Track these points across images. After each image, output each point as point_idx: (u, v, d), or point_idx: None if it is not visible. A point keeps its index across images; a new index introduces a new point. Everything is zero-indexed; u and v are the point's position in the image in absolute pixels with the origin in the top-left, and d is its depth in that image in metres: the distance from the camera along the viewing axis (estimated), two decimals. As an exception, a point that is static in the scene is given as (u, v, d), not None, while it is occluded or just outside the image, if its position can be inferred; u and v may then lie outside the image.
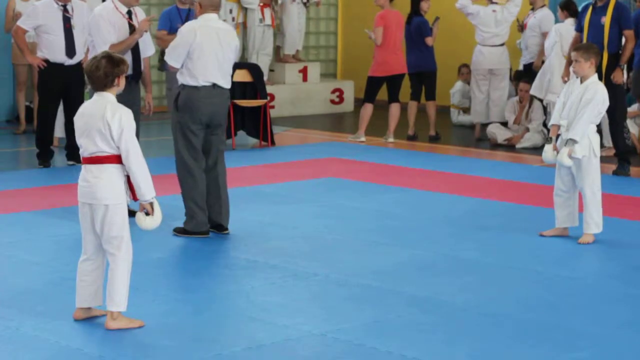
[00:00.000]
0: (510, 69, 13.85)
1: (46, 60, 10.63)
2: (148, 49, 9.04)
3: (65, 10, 10.58)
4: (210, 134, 7.95)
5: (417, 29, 13.26)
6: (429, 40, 13.23)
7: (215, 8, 7.93)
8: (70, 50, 10.64)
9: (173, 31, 11.81)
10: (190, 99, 7.79)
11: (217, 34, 7.83)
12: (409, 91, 13.57)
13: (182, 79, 7.86)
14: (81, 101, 9.64)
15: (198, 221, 7.87)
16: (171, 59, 7.82)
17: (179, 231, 7.94)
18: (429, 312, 6.18)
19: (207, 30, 7.79)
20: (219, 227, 7.99)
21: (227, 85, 7.93)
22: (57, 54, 10.63)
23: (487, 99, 13.68)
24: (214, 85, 7.83)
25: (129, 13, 8.73)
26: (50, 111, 10.88)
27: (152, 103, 9.25)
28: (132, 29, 8.69)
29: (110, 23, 8.58)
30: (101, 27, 8.54)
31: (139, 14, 8.86)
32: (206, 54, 7.75)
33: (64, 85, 10.64)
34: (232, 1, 15.46)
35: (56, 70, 10.66)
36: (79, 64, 10.61)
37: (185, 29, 7.84)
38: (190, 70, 7.78)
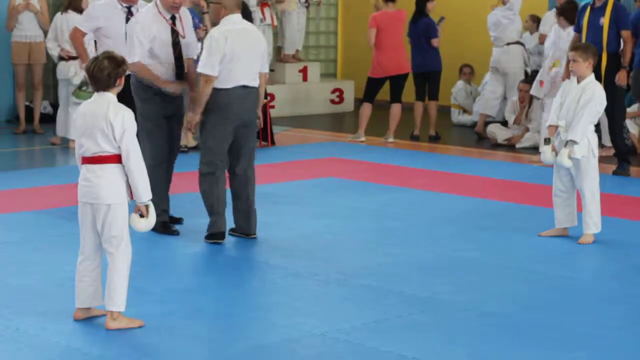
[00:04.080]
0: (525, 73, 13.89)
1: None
2: (192, 49, 8.37)
3: (129, 12, 9.13)
4: (243, 133, 7.79)
5: (423, 29, 13.26)
6: (435, 42, 13.24)
7: (239, 8, 7.78)
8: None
9: None
10: (222, 102, 7.63)
11: (246, 36, 7.73)
12: (415, 91, 13.60)
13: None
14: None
15: (212, 222, 7.80)
16: (208, 69, 7.57)
17: (207, 237, 7.83)
18: (429, 312, 6.19)
19: (236, 33, 7.65)
20: (246, 234, 7.93)
21: (256, 84, 7.80)
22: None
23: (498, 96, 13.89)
24: (245, 87, 7.70)
25: (173, 18, 8.13)
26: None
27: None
28: (175, 35, 8.11)
29: (148, 31, 7.99)
30: (134, 36, 8.01)
31: (184, 17, 8.27)
32: (237, 57, 7.61)
33: (122, 94, 9.31)
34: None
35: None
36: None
37: (215, 34, 7.62)
38: (221, 74, 7.61)
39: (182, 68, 8.16)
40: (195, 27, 11.96)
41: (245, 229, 7.91)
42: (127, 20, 8.89)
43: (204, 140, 7.79)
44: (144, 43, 7.95)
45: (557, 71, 11.63)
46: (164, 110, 8.08)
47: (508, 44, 13.70)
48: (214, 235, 7.74)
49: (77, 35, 9.41)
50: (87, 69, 5.78)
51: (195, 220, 8.56)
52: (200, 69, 7.62)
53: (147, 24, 8.00)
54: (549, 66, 12.23)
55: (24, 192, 9.65)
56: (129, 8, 9.01)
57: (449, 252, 7.59)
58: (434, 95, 13.51)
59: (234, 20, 7.72)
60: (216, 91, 7.63)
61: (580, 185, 7.91)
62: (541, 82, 12.23)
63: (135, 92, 8.03)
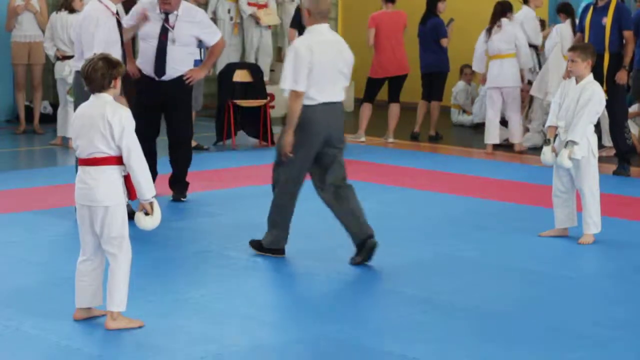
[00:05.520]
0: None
1: (140, 71, 9.16)
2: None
3: (166, 19, 9.03)
4: (330, 152, 7.25)
5: (432, 29, 13.26)
6: (444, 42, 13.24)
7: (325, 17, 7.23)
8: (158, 67, 9.07)
9: None
10: (304, 120, 7.06)
11: (333, 48, 7.22)
12: (421, 91, 13.60)
13: None
14: (185, 116, 9.26)
15: (275, 237, 7.36)
16: (296, 85, 7.01)
17: (254, 246, 7.46)
18: (429, 312, 6.18)
19: (323, 45, 7.13)
20: (369, 238, 7.25)
21: (341, 98, 7.27)
22: (147, 66, 9.13)
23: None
24: (331, 103, 7.15)
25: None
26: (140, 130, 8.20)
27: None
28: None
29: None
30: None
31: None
32: (324, 71, 7.06)
33: (158, 101, 9.10)
34: (230, 0, 15.46)
35: (148, 84, 9.12)
36: (179, 79, 9.12)
37: (301, 46, 7.09)
38: (307, 89, 7.06)
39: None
40: None
41: (359, 233, 7.28)
42: (163, 28, 8.88)
43: (288, 160, 7.19)
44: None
45: None
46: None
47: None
48: (276, 251, 7.34)
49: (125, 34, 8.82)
50: (82, 70, 5.78)
51: (195, 221, 8.57)
52: (286, 84, 7.07)
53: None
54: (550, 66, 12.25)
55: (24, 192, 9.64)
56: (166, 14, 9.00)
57: (449, 252, 7.59)
58: (438, 95, 13.51)
59: (321, 30, 7.20)
60: (301, 108, 7.09)
61: (580, 186, 7.91)
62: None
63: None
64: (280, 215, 7.34)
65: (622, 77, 10.81)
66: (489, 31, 12.65)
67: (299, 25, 12.60)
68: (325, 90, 7.11)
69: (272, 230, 7.37)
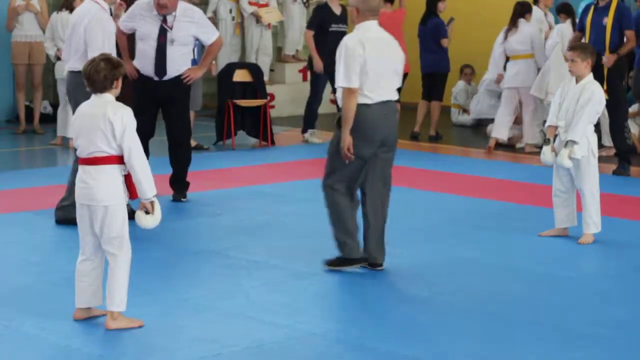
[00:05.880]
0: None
1: (138, 71, 9.12)
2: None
3: (164, 20, 9.04)
4: (382, 155, 6.97)
5: (433, 29, 13.25)
6: (444, 42, 13.24)
7: (375, 14, 6.98)
8: (159, 68, 9.06)
9: None
10: (362, 119, 6.78)
11: (384, 45, 6.95)
12: (421, 91, 13.60)
13: None
14: (183, 116, 9.33)
15: (350, 248, 6.96)
16: (348, 81, 6.72)
17: (332, 264, 7.00)
18: (429, 312, 6.18)
19: (374, 41, 6.85)
20: (374, 264, 7.01)
21: (395, 97, 7.01)
22: (147, 67, 9.10)
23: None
24: (385, 102, 6.90)
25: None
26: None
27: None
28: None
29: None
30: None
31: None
32: (376, 68, 6.78)
33: (156, 100, 9.13)
34: (231, 0, 15.46)
35: (146, 84, 9.10)
36: (177, 78, 9.16)
37: (350, 43, 6.80)
38: (360, 87, 6.78)
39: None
40: None
41: (375, 256, 7.01)
42: (161, 28, 8.92)
43: (341, 162, 6.88)
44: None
45: None
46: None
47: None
48: (354, 260, 6.95)
49: (118, 36, 8.85)
50: (83, 71, 5.78)
51: (195, 221, 8.57)
52: (339, 82, 6.78)
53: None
54: (550, 66, 12.25)
55: (24, 192, 9.64)
56: (164, 16, 9.02)
57: (449, 252, 7.59)
58: (439, 95, 13.51)
59: (369, 27, 6.92)
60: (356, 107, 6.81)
61: (580, 185, 7.91)
62: None
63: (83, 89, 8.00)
64: (343, 224, 6.95)
65: (610, 60, 10.78)
66: (507, 32, 12.68)
67: (317, 26, 12.58)
68: (381, 88, 6.84)
69: (341, 244, 6.95)
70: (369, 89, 6.79)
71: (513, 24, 12.64)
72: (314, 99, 13.14)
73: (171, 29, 9.02)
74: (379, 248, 6.97)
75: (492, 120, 13.82)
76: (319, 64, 12.65)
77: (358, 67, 6.73)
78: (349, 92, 6.74)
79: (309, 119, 13.19)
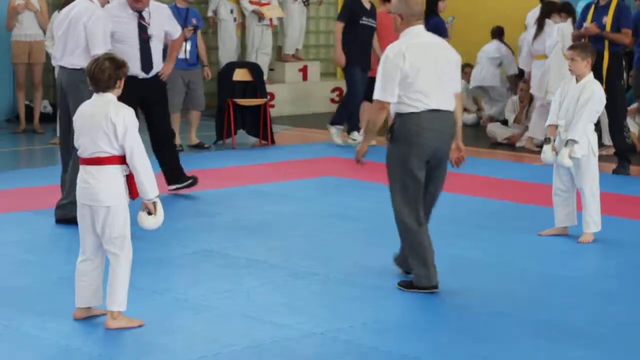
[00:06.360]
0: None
1: None
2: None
3: (140, 17, 9.26)
4: (433, 168, 6.63)
5: (433, 29, 13.20)
6: None
7: (420, 18, 6.61)
8: (146, 64, 9.27)
9: None
10: (408, 129, 6.46)
11: (431, 50, 6.57)
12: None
13: (396, 107, 6.50)
14: (167, 114, 9.51)
15: (423, 275, 6.56)
16: (382, 94, 6.44)
17: (403, 285, 6.65)
18: (429, 312, 6.18)
19: (418, 48, 6.49)
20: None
21: (451, 107, 6.59)
22: (131, 66, 9.07)
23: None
24: (436, 110, 6.50)
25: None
26: None
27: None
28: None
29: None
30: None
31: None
32: (422, 75, 6.42)
33: (139, 100, 9.10)
34: (232, 2, 15.46)
35: (129, 84, 9.59)
36: (157, 76, 9.47)
37: (390, 53, 6.45)
38: (405, 96, 6.45)
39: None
40: (199, 28, 12.09)
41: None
42: (140, 25, 9.02)
43: (396, 180, 6.61)
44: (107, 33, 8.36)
45: None
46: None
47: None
48: (429, 288, 6.55)
49: None
50: (87, 70, 5.77)
51: (195, 220, 8.56)
52: (375, 94, 6.51)
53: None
54: (550, 65, 12.25)
55: (24, 192, 9.65)
56: (139, 13, 9.12)
57: (449, 251, 7.58)
58: None
59: (416, 32, 6.57)
60: (402, 117, 6.48)
61: (580, 185, 7.91)
62: None
63: (83, 86, 7.94)
64: (414, 249, 6.58)
65: (591, 28, 10.82)
66: (536, 33, 12.75)
67: (348, 19, 12.49)
68: (431, 96, 6.45)
69: (415, 270, 6.60)
70: (415, 97, 6.44)
71: (540, 24, 12.70)
72: (352, 95, 12.66)
73: (149, 25, 9.27)
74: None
75: (491, 119, 13.85)
76: (341, 59, 12.45)
77: (396, 80, 6.40)
78: (380, 105, 6.49)
79: (352, 119, 12.72)
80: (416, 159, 6.49)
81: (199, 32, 12.35)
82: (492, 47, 14.57)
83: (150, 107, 9.26)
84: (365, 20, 12.50)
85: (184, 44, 11.81)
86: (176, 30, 9.66)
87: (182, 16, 12.00)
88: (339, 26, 12.56)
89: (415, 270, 6.56)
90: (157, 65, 9.36)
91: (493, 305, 6.31)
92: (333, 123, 12.86)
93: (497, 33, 14.74)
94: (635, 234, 8.24)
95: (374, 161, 11.59)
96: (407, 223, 6.56)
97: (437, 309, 6.24)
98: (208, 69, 12.67)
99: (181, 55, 11.85)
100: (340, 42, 12.48)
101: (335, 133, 12.82)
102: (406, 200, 6.55)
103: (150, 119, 9.30)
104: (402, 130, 6.48)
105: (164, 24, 9.46)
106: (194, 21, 12.18)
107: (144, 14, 9.23)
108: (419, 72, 6.42)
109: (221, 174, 10.75)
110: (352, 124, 12.76)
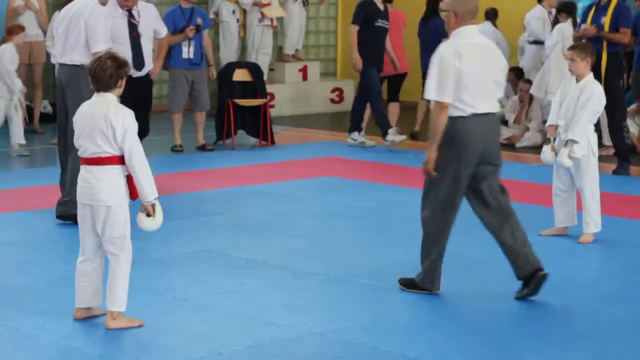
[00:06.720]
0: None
1: None
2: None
3: (130, 15, 9.57)
4: (485, 171, 6.44)
5: (434, 29, 13.23)
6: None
7: (475, 16, 6.41)
8: (138, 62, 9.55)
9: (176, 31, 11.86)
10: (457, 133, 6.26)
11: (485, 52, 6.39)
12: (422, 90, 13.59)
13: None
14: (147, 112, 9.68)
15: (428, 279, 6.53)
16: (440, 95, 6.21)
17: (404, 283, 6.62)
18: (429, 312, 6.18)
19: (473, 49, 6.30)
20: (536, 271, 6.43)
21: (496, 110, 6.46)
22: None
23: None
24: (485, 114, 6.33)
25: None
26: None
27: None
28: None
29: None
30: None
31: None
32: (476, 78, 6.24)
33: (134, 99, 9.11)
34: (232, 2, 15.46)
35: (126, 83, 9.72)
36: (148, 75, 9.83)
37: (446, 52, 6.25)
38: (456, 98, 6.24)
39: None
40: (204, 28, 12.12)
41: (529, 266, 6.45)
42: (130, 24, 9.14)
43: (435, 182, 6.39)
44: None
45: None
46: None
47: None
48: (424, 290, 6.54)
49: None
50: (89, 69, 5.77)
51: (195, 220, 8.56)
52: (430, 95, 6.29)
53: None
54: (551, 66, 12.26)
55: (24, 192, 9.65)
56: (129, 11, 9.26)
57: (450, 251, 7.56)
58: None
59: (469, 32, 6.35)
60: (450, 120, 6.26)
61: (580, 185, 7.91)
62: None
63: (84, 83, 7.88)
64: (432, 248, 6.52)
65: (590, 29, 10.83)
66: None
67: (363, 21, 12.44)
68: (480, 100, 6.28)
69: (423, 272, 6.54)
70: (465, 101, 6.24)
71: (552, 24, 12.77)
72: (373, 97, 12.53)
73: (138, 23, 9.48)
74: (531, 257, 6.46)
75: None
76: (359, 62, 12.34)
77: (452, 80, 6.19)
78: (440, 106, 6.23)
79: (382, 121, 12.58)
80: (462, 165, 6.31)
81: (205, 32, 12.32)
82: (489, 32, 14.30)
83: (139, 107, 9.20)
84: (380, 22, 12.44)
85: (188, 42, 11.85)
86: (163, 30, 9.98)
87: (186, 16, 12.01)
88: (354, 30, 12.42)
89: (424, 273, 6.51)
90: (148, 63, 9.60)
91: (492, 304, 6.31)
92: (385, 132, 12.59)
93: (492, 14, 14.48)
94: (635, 234, 8.24)
95: (374, 161, 11.64)
96: (433, 226, 6.47)
97: (437, 309, 6.24)
98: (213, 68, 12.66)
99: (185, 55, 11.89)
100: (356, 45, 12.34)
101: (393, 134, 12.52)
102: (440, 204, 6.41)
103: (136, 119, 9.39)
104: (450, 135, 6.26)
105: (152, 22, 9.79)
106: (199, 20, 12.15)
107: (134, 12, 9.47)
108: (472, 76, 6.23)
109: (221, 174, 10.75)
110: (356, 126, 12.75)
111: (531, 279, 6.39)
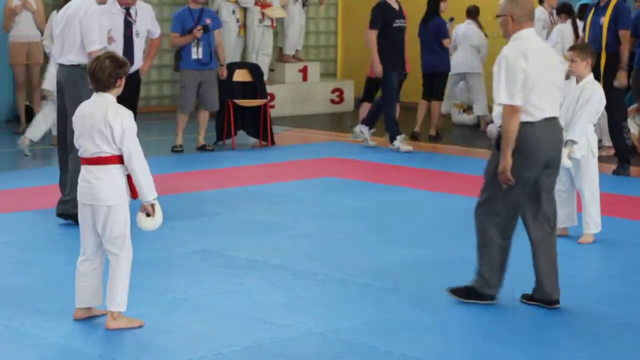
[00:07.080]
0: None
1: None
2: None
3: (128, 14, 9.69)
4: (545, 180, 6.30)
5: (434, 29, 13.24)
6: (446, 42, 13.26)
7: (532, 19, 6.29)
8: (129, 60, 9.54)
9: (185, 33, 11.87)
10: (527, 139, 6.12)
11: (546, 56, 6.27)
12: (422, 90, 13.60)
13: None
14: (134, 111, 9.67)
15: (485, 281, 6.37)
16: (511, 98, 6.05)
17: (456, 292, 6.41)
18: (429, 312, 6.18)
19: (537, 52, 6.16)
20: (552, 302, 6.34)
21: (558, 114, 6.36)
22: None
23: None
24: (550, 119, 6.22)
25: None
26: None
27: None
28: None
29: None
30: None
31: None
32: (539, 82, 6.11)
33: (119, 96, 9.66)
34: (232, 2, 15.46)
35: None
36: (136, 73, 9.87)
37: (511, 54, 6.09)
38: (525, 101, 6.11)
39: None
40: (214, 28, 12.14)
41: (550, 293, 6.35)
42: (126, 22, 9.21)
43: (497, 189, 6.25)
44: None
45: None
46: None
47: None
48: (482, 296, 6.36)
49: None
50: (88, 68, 5.77)
51: (195, 220, 8.56)
52: (500, 98, 6.12)
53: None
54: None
55: (24, 192, 9.65)
56: (127, 9, 9.31)
57: (449, 251, 7.59)
58: (439, 95, 13.52)
59: (529, 36, 6.21)
60: (519, 126, 6.14)
61: (580, 185, 7.91)
62: None
63: (82, 82, 7.70)
64: (488, 255, 6.39)
65: (621, 78, 10.79)
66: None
67: (381, 24, 12.37)
68: (546, 104, 6.16)
69: (479, 274, 6.40)
70: (532, 105, 6.11)
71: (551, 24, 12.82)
72: (390, 102, 12.46)
73: (135, 22, 9.58)
74: (555, 286, 6.38)
75: (491, 121, 13.82)
76: (378, 68, 12.19)
77: (520, 82, 6.05)
78: (512, 110, 6.07)
79: (392, 126, 12.50)
80: (529, 171, 6.18)
81: (216, 32, 12.31)
82: (474, 33, 14.19)
83: (128, 105, 9.28)
84: (397, 23, 12.38)
85: (197, 43, 11.87)
86: (157, 31, 10.16)
87: (195, 17, 12.01)
88: (373, 34, 12.26)
89: (481, 273, 6.35)
90: (138, 62, 9.78)
91: (492, 305, 6.30)
92: (393, 137, 12.46)
93: (474, 13, 14.34)
94: (635, 234, 8.24)
95: (373, 161, 11.64)
96: (491, 234, 6.35)
97: (437, 309, 6.23)
98: (224, 68, 12.62)
99: (194, 56, 11.90)
100: (375, 50, 12.20)
101: (401, 141, 12.38)
102: (500, 211, 6.29)
103: None
104: (519, 142, 6.11)
105: (147, 22, 9.96)
106: (207, 21, 12.13)
107: (131, 11, 9.59)
108: (537, 79, 6.11)
109: (221, 174, 10.75)
110: (370, 122, 12.71)
111: (543, 304, 6.33)
